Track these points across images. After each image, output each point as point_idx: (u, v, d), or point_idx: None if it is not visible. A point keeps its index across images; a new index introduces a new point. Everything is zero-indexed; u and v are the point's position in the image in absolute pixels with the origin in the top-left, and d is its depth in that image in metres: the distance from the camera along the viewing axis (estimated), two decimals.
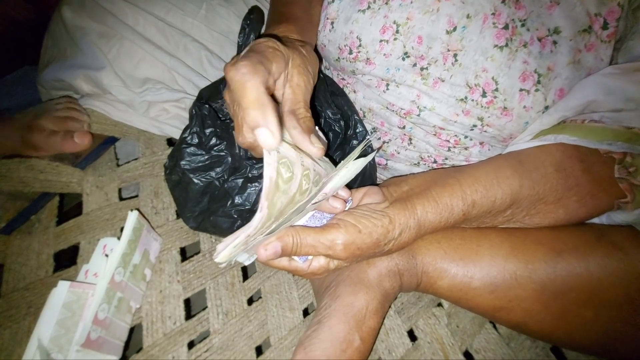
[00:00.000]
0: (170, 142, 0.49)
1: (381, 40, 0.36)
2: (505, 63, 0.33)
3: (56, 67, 0.45)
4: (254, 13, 0.38)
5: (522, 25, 0.32)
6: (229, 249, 0.23)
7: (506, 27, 0.33)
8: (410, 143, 0.41)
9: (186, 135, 0.40)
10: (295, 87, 0.27)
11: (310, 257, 0.30)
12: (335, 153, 0.42)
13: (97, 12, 0.44)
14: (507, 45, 0.33)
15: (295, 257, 0.30)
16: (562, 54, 0.32)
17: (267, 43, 0.27)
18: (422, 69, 0.36)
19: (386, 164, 0.44)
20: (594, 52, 0.32)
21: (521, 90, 0.33)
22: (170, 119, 0.47)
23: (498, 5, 0.33)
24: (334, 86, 0.44)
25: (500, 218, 0.32)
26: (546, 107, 0.33)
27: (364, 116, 0.44)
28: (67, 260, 0.37)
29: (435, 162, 0.41)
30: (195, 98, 0.42)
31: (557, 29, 0.32)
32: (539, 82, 0.32)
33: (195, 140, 0.39)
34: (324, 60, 0.46)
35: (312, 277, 0.31)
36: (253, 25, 0.39)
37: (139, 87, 0.45)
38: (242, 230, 0.24)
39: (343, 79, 0.44)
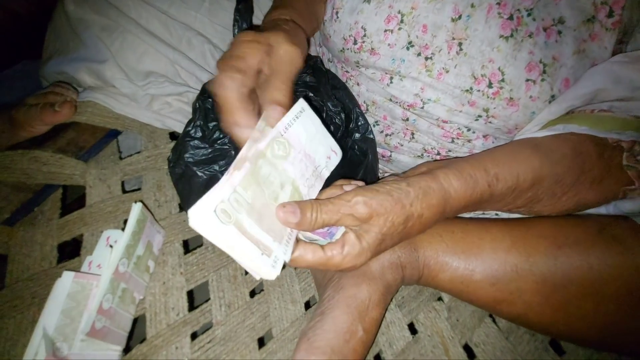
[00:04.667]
0: (172, 135, 0.49)
1: (386, 30, 0.37)
2: (511, 54, 0.33)
3: (59, 59, 0.45)
4: (242, 3, 0.39)
5: (529, 15, 0.32)
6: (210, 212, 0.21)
7: (511, 17, 0.33)
8: (413, 137, 0.42)
9: (190, 128, 0.40)
10: (275, 73, 0.28)
11: (335, 235, 0.28)
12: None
13: (100, 5, 0.44)
14: (512, 35, 0.33)
15: (319, 237, 0.28)
16: (567, 44, 0.32)
17: (244, 38, 0.28)
18: (426, 58, 0.36)
19: (390, 156, 0.45)
20: (597, 41, 0.32)
21: (527, 80, 0.33)
22: (173, 112, 0.47)
23: None
24: (335, 80, 0.44)
25: (522, 199, 0.31)
26: (552, 97, 0.33)
27: (367, 109, 0.44)
28: (70, 252, 0.37)
29: (438, 154, 0.41)
30: (198, 92, 0.42)
31: (562, 19, 0.32)
32: (544, 72, 0.32)
33: (199, 134, 0.39)
34: (327, 52, 0.46)
35: (348, 265, 0.27)
36: (243, 16, 0.39)
37: (142, 80, 0.45)
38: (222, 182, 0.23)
39: (347, 71, 0.44)
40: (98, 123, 0.43)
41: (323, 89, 0.43)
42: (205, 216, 0.21)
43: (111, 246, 0.33)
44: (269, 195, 0.25)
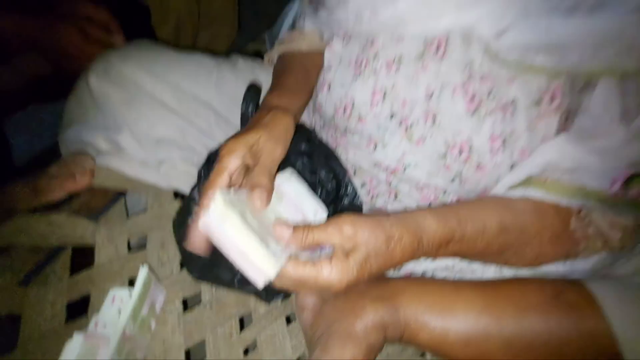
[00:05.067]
0: (176, 194, 0.53)
1: (372, 102, 0.42)
2: (476, 127, 0.38)
3: (79, 127, 0.50)
4: (251, 89, 0.45)
5: (488, 96, 0.38)
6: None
7: (473, 97, 0.38)
8: (396, 198, 0.46)
9: (194, 193, 0.44)
10: (258, 165, 0.35)
11: (326, 251, 0.32)
12: (327, 209, 0.47)
13: (120, 80, 0.50)
14: (476, 111, 0.38)
15: (308, 256, 0.32)
16: (520, 121, 0.37)
17: (224, 152, 0.35)
18: (407, 127, 0.42)
19: None
20: (545, 120, 0.37)
21: (491, 150, 0.38)
22: (179, 174, 0.51)
23: (466, 80, 0.38)
24: (327, 149, 0.50)
25: (494, 246, 0.36)
26: (513, 164, 0.38)
27: (355, 173, 0.49)
28: (77, 307, 0.40)
29: None
30: (203, 156, 0.47)
31: (515, 100, 0.37)
32: (504, 143, 0.37)
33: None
34: (319, 119, 0.52)
35: (335, 280, 0.31)
36: (252, 98, 0.45)
37: (153, 146, 0.50)
38: None
39: (337, 138, 0.49)
40: (111, 187, 0.47)
41: (316, 157, 0.48)
42: (219, 201, 0.28)
43: (117, 306, 0.36)
44: (266, 219, 0.31)
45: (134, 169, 0.50)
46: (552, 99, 0.36)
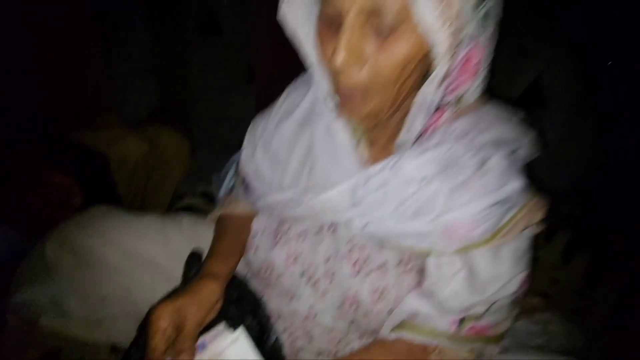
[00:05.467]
0: (114, 347, 0.57)
1: (286, 264, 0.54)
2: (360, 283, 0.50)
3: (28, 290, 0.56)
4: (193, 256, 0.56)
5: (365, 261, 0.50)
6: None
7: (356, 262, 0.51)
8: (311, 341, 0.55)
9: (132, 350, 0.50)
10: (184, 331, 0.45)
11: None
12: None
13: (74, 248, 0.58)
14: (358, 272, 0.50)
15: None
16: (390, 278, 0.49)
17: (152, 330, 0.44)
18: (314, 284, 0.53)
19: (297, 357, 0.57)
20: (407, 276, 0.49)
21: (372, 301, 0.49)
22: (120, 329, 0.57)
23: (350, 250, 0.52)
24: (255, 298, 0.59)
25: None
26: (390, 310, 0.49)
27: (277, 319, 0.58)
28: None
29: (328, 355, 0.54)
30: (144, 311, 0.54)
31: (386, 262, 0.50)
32: (382, 295, 0.49)
33: (139, 355, 0.49)
34: (249, 271, 0.63)
35: None
36: (193, 263, 0.56)
37: (97, 305, 0.56)
38: None
39: (262, 289, 0.59)
40: (51, 345, 0.51)
41: (245, 304, 0.58)
42: None
43: None
44: None
45: (76, 328, 0.55)
46: (408, 262, 0.50)
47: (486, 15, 0.40)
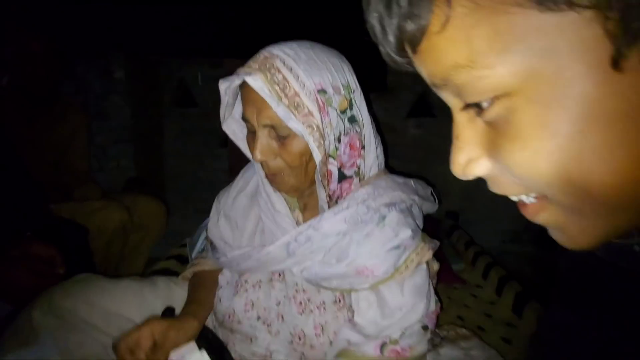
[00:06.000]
0: None
1: (245, 310, 0.65)
2: (305, 321, 0.61)
3: (15, 354, 0.62)
4: (167, 311, 0.66)
5: (308, 301, 0.63)
6: None
7: (301, 303, 0.63)
8: None
9: None
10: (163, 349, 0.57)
11: None
12: None
13: (60, 312, 0.66)
14: (303, 311, 0.62)
15: None
16: (329, 314, 0.61)
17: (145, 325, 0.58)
18: (267, 325, 0.64)
19: None
20: (341, 312, 0.62)
21: (316, 335, 0.61)
22: None
23: (295, 293, 0.64)
24: (221, 344, 0.68)
25: None
26: (331, 343, 0.60)
27: None
28: None
29: None
30: None
31: (324, 302, 0.63)
32: (322, 329, 0.61)
33: None
34: (216, 321, 0.72)
35: None
36: (168, 316, 0.66)
37: None
38: None
39: (227, 335, 0.69)
40: None
41: (215, 349, 0.66)
42: None
43: None
44: None
45: None
46: (340, 300, 0.63)
47: (352, 117, 0.59)
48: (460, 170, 0.25)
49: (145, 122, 1.86)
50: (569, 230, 0.23)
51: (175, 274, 0.92)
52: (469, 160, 0.25)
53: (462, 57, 0.20)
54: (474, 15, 0.19)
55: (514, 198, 0.25)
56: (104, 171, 1.78)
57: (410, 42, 0.22)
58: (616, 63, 0.17)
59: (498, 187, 0.25)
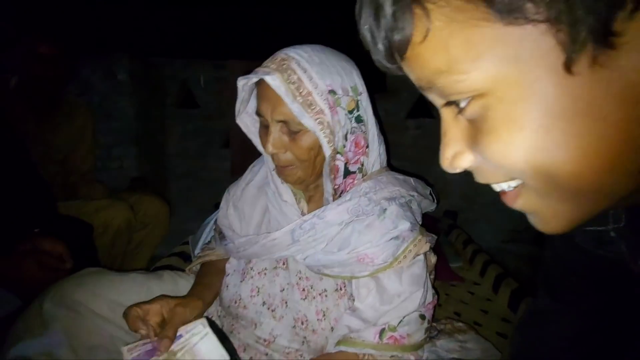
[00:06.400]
0: None
1: (251, 295, 0.68)
2: (307, 307, 0.64)
3: (25, 344, 0.65)
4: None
5: (310, 288, 0.66)
6: None
7: (304, 289, 0.66)
8: None
9: None
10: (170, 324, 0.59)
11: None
12: None
13: (70, 303, 0.68)
14: (306, 297, 0.65)
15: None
16: (330, 301, 0.64)
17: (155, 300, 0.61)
18: (272, 310, 0.66)
19: None
20: (342, 299, 0.64)
21: (318, 320, 0.63)
22: None
23: (298, 280, 0.66)
24: (224, 335, 0.71)
25: None
26: (332, 328, 0.62)
27: (244, 350, 0.69)
28: None
29: None
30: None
31: (326, 289, 0.65)
32: (324, 315, 0.63)
33: None
34: (221, 310, 0.74)
35: None
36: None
37: (86, 353, 0.65)
38: None
39: (232, 324, 0.71)
40: None
41: (217, 336, 0.69)
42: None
43: None
44: None
45: None
46: (342, 288, 0.66)
47: (358, 117, 0.62)
48: (448, 163, 0.28)
49: (148, 123, 1.89)
50: (543, 214, 0.27)
51: (178, 270, 0.95)
52: (455, 154, 0.28)
53: (443, 64, 0.23)
54: (450, 27, 0.22)
55: (497, 188, 0.28)
56: (108, 171, 1.80)
57: (398, 50, 0.25)
58: (568, 67, 0.21)
59: (482, 176, 0.28)
